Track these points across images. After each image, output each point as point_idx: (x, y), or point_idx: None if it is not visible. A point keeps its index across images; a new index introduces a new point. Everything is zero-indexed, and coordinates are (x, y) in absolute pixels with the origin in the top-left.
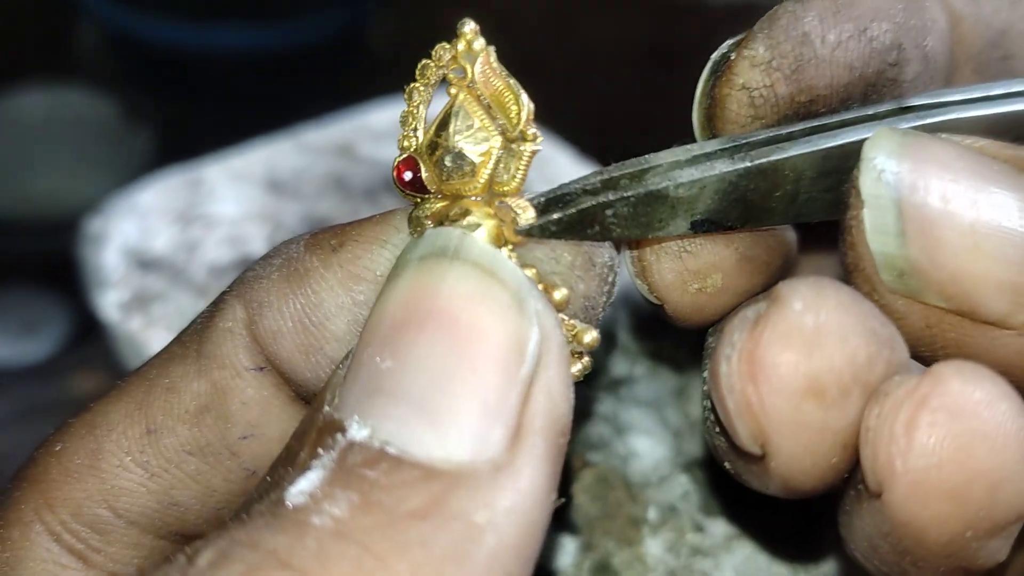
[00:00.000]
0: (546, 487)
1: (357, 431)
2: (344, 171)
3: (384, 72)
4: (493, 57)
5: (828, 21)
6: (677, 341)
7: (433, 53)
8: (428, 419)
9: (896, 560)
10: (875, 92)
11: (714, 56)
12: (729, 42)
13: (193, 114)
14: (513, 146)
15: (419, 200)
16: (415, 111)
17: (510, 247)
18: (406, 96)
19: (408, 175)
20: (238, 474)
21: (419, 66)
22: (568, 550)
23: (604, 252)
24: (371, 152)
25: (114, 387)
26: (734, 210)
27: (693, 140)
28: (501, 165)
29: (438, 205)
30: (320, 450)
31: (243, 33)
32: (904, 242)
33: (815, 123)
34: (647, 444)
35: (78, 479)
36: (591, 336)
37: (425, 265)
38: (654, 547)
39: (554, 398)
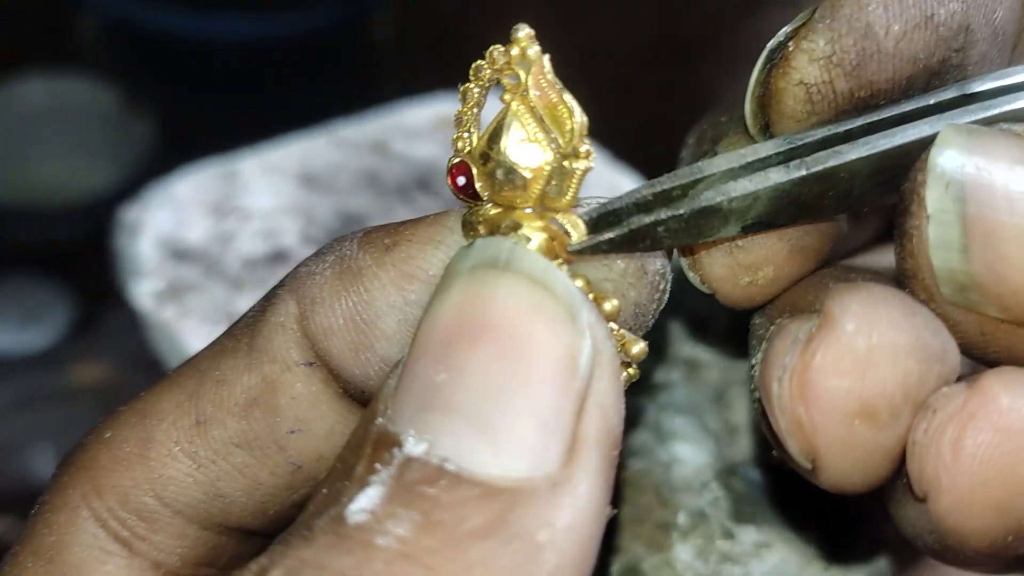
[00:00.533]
0: (602, 501)
1: (414, 446)
2: (377, 167)
3: (387, 64)
4: (548, 66)
5: (893, 9)
6: (716, 344)
7: (487, 55)
8: (485, 435)
9: (940, 550)
10: (938, 79)
11: (770, 44)
12: (786, 29)
13: (195, 103)
14: (565, 162)
15: (473, 205)
16: (469, 113)
17: (560, 260)
18: (460, 96)
19: (461, 180)
20: (284, 468)
21: (473, 67)
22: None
23: (657, 260)
24: (404, 150)
25: (164, 377)
26: (786, 212)
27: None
28: (553, 181)
29: (491, 212)
30: (378, 465)
31: (244, 22)
32: (967, 258)
33: (873, 118)
34: (689, 451)
35: (127, 467)
36: (639, 347)
37: (476, 275)
38: (683, 553)
39: (607, 411)
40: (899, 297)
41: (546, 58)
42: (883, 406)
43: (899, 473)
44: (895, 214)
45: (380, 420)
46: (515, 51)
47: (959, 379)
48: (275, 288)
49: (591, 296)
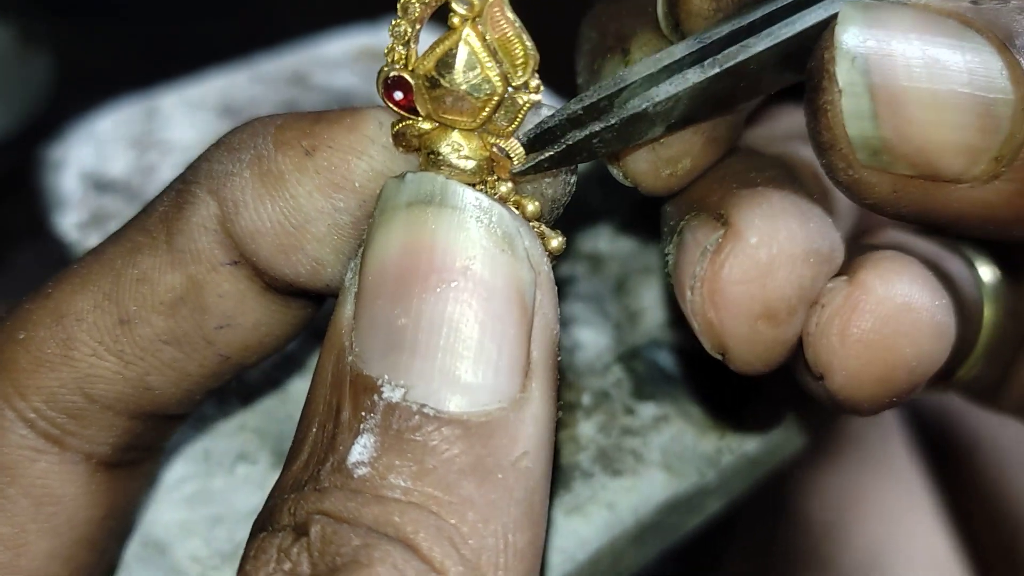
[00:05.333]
0: (554, 406)
1: (391, 392)
2: (298, 99)
3: None
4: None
5: None
6: (615, 238)
7: None
8: (453, 374)
9: (838, 409)
10: None
11: None
12: None
13: (92, 37)
14: (517, 95)
15: (406, 118)
16: (408, 27)
17: (494, 178)
18: (400, 8)
19: (399, 95)
20: (212, 360)
21: None
22: None
23: None
24: (324, 80)
25: (70, 271)
26: (704, 108)
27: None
28: (500, 110)
29: (427, 127)
30: (363, 413)
31: None
32: (877, 124)
33: (771, 7)
34: (590, 335)
35: (51, 368)
36: (558, 241)
37: (414, 212)
38: (587, 428)
39: (549, 324)
40: (795, 205)
41: None
42: (782, 307)
43: (797, 356)
44: (805, 92)
45: (351, 358)
46: None
47: (842, 272)
48: (187, 182)
49: (513, 200)
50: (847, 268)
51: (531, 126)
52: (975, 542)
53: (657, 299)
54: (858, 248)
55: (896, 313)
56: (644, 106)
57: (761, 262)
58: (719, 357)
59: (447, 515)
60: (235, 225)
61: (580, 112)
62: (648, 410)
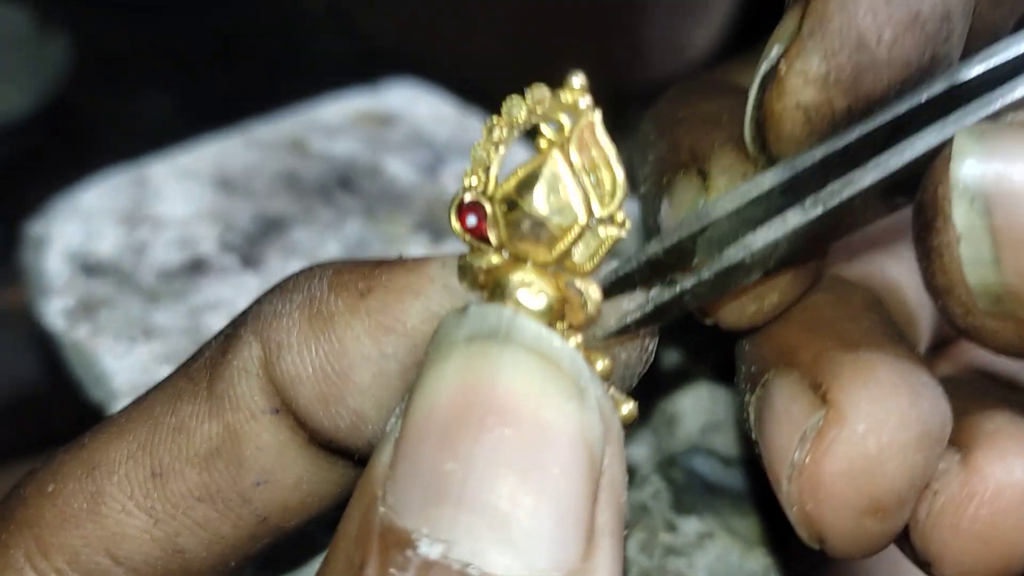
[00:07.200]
0: None
1: (429, 547)
2: (296, 167)
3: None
4: (599, 123)
5: (881, 14)
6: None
7: (528, 95)
8: (505, 532)
9: None
10: (928, 75)
11: (762, 67)
12: (777, 48)
13: (111, 22)
14: (600, 228)
15: (475, 248)
16: (492, 150)
17: (564, 326)
18: (485, 130)
19: (472, 220)
20: (249, 520)
21: (506, 102)
22: None
23: None
24: (324, 147)
25: (110, 422)
26: (804, 249)
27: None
28: (579, 244)
29: (496, 260)
30: (393, 570)
31: None
32: (999, 269)
33: (868, 128)
34: (628, 444)
35: (76, 524)
36: (629, 408)
37: (475, 349)
38: (628, 549)
39: (617, 490)
40: (903, 379)
41: (598, 114)
42: (891, 501)
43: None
44: (915, 230)
45: (383, 510)
46: (565, 98)
47: (952, 440)
48: (236, 326)
49: (583, 355)
50: (956, 436)
51: (607, 271)
52: None
53: (695, 404)
54: (960, 388)
55: (1017, 503)
56: (741, 256)
57: (870, 453)
58: (815, 546)
59: None
60: (276, 368)
61: (660, 255)
62: (691, 525)
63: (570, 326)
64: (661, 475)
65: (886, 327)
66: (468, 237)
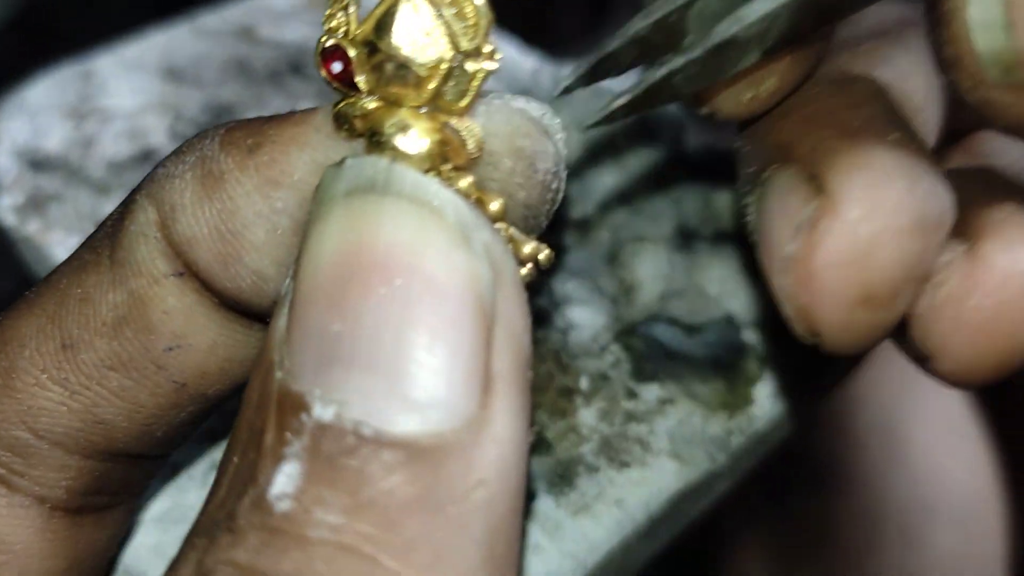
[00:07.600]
0: (524, 428)
1: (323, 410)
2: (246, 55)
3: None
4: None
5: None
6: (604, 203)
7: None
8: (397, 387)
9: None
10: None
11: None
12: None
13: None
14: (468, 62)
15: (349, 95)
16: None
17: (449, 168)
18: None
19: (337, 67)
20: (166, 387)
21: None
22: None
23: (548, 158)
24: (273, 34)
25: (22, 299)
26: (807, 23)
27: None
28: (450, 81)
29: (371, 106)
30: (288, 434)
31: None
32: (1011, 34)
33: None
34: (586, 314)
35: None
36: (530, 247)
37: (354, 203)
38: (588, 417)
39: (516, 333)
40: (901, 163)
41: None
42: (885, 290)
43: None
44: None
45: (280, 375)
46: None
47: (956, 231)
48: (133, 192)
49: (475, 195)
50: (962, 228)
51: (591, 56)
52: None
53: (653, 271)
54: (968, 180)
55: (1022, 293)
56: (735, 31)
57: (862, 241)
58: (811, 341)
59: (386, 560)
60: (172, 231)
61: (646, 32)
62: (652, 392)
63: (456, 168)
64: (621, 344)
65: (889, 116)
66: (336, 84)
